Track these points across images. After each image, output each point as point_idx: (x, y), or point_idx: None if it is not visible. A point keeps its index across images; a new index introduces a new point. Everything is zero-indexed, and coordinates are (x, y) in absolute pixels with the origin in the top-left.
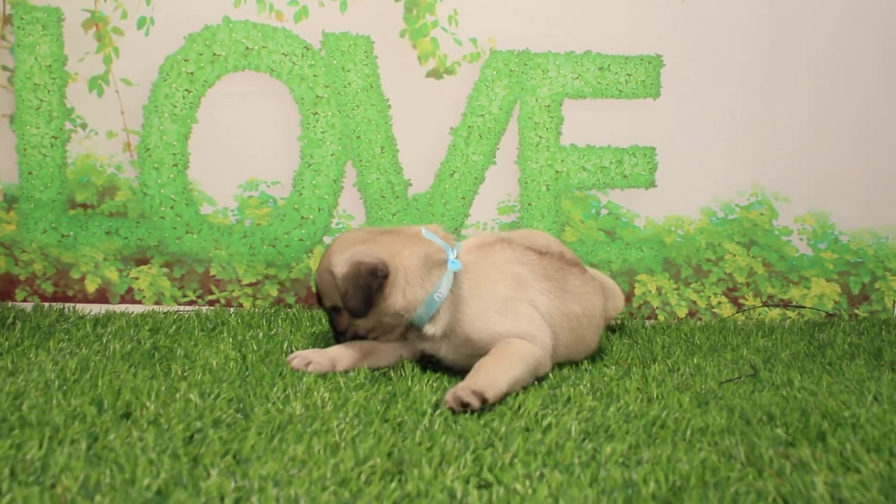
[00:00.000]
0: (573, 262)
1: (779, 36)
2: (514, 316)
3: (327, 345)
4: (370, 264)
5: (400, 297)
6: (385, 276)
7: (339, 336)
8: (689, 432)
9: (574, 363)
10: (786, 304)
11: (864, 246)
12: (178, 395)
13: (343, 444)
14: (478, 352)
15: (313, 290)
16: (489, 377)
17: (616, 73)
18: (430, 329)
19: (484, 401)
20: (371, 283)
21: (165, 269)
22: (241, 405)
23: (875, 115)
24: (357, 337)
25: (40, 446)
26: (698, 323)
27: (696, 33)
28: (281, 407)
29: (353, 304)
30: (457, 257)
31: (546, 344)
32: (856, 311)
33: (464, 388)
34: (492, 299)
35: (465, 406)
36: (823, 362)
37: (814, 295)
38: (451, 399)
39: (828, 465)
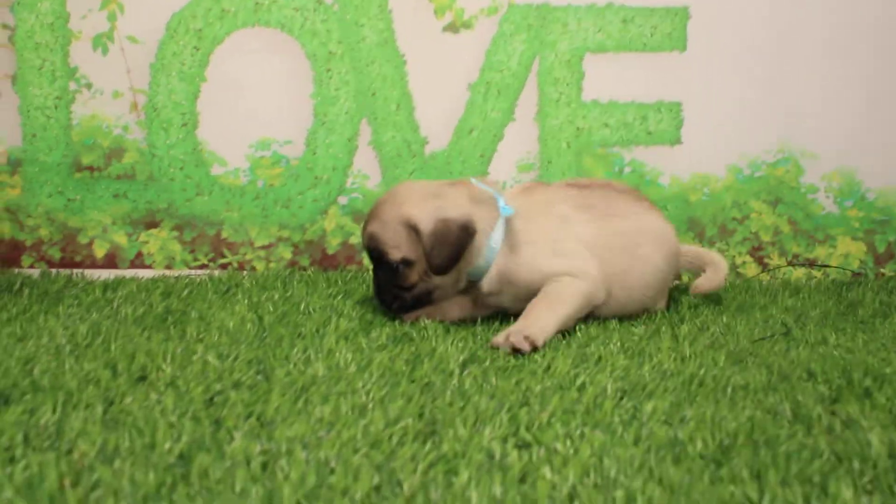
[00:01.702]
0: (623, 190)
1: None
2: (562, 254)
3: (363, 308)
4: (461, 221)
5: (477, 252)
6: (474, 234)
7: (395, 294)
8: (729, 390)
9: (627, 300)
10: (811, 264)
11: (891, 203)
12: (195, 358)
13: (371, 405)
14: (533, 294)
15: (364, 242)
16: (539, 323)
17: (641, 26)
18: (486, 282)
19: (535, 348)
20: (464, 240)
21: (175, 233)
22: (262, 367)
23: None
24: (418, 298)
25: (54, 411)
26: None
27: None
28: (303, 368)
29: (441, 262)
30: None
31: (593, 276)
32: (882, 270)
33: (516, 333)
34: (540, 242)
35: (516, 351)
36: (855, 321)
37: (840, 254)
38: (503, 341)
39: (878, 421)
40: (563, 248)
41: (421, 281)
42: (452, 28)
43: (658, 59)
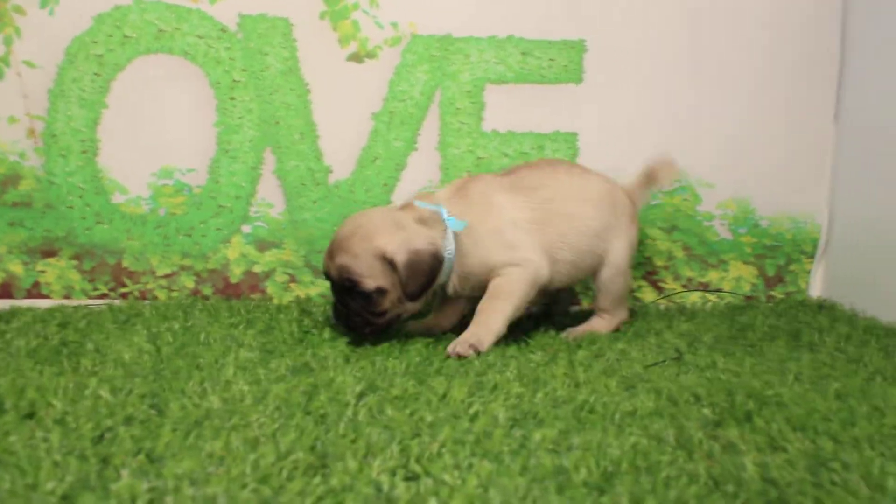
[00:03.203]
0: (552, 161)
1: (704, 24)
2: (505, 245)
3: (264, 337)
4: (430, 250)
5: (443, 273)
6: (443, 260)
7: (367, 320)
8: (617, 416)
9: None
10: (705, 288)
11: (783, 230)
12: (87, 392)
13: (263, 439)
14: (486, 283)
15: (332, 274)
16: (484, 327)
17: (539, 58)
18: (449, 287)
19: (479, 352)
20: (435, 267)
21: (74, 262)
22: (156, 400)
23: (795, 105)
24: (389, 322)
25: None
26: None
27: (620, 17)
28: (198, 401)
29: (415, 290)
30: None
31: (534, 261)
32: (771, 292)
33: (462, 343)
34: (484, 238)
35: (461, 357)
36: (745, 344)
37: (732, 277)
38: (451, 352)
39: (756, 446)
40: (505, 239)
41: (393, 307)
42: (356, 58)
43: (555, 90)
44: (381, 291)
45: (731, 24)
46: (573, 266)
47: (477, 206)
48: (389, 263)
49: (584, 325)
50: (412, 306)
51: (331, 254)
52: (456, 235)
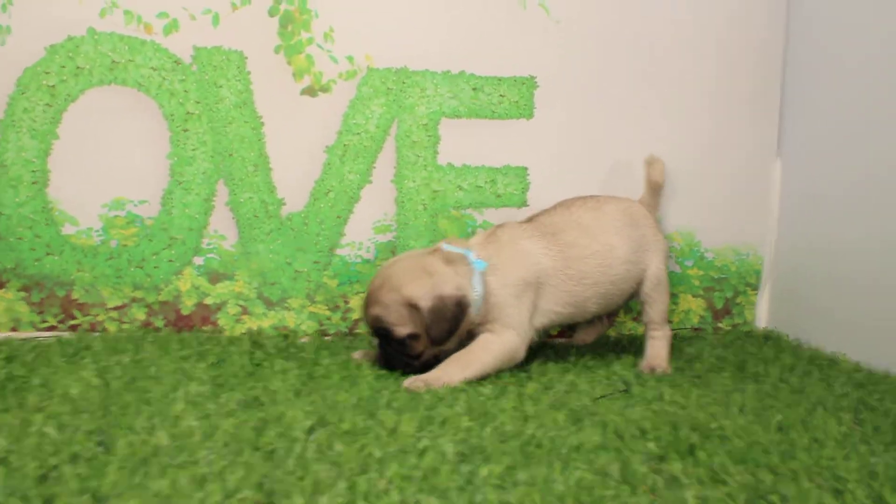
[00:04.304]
0: (567, 201)
1: (651, 61)
2: (521, 302)
3: (215, 370)
4: (455, 297)
5: (470, 316)
6: (468, 307)
7: (405, 363)
8: (564, 450)
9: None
10: None
11: (728, 262)
12: (32, 430)
13: (211, 477)
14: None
15: (369, 324)
16: (445, 377)
17: (489, 94)
18: (480, 327)
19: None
20: (459, 314)
21: (23, 293)
22: (102, 437)
23: (738, 138)
24: (426, 363)
25: None
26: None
27: (570, 55)
28: (146, 437)
29: (440, 334)
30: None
31: (526, 332)
32: (719, 324)
33: (418, 379)
34: (508, 283)
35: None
36: (692, 375)
37: (681, 310)
38: (407, 385)
39: (698, 479)
40: (526, 294)
41: (427, 349)
42: (311, 91)
43: (506, 125)
44: (413, 337)
45: (676, 60)
46: (606, 297)
47: (507, 249)
48: (417, 309)
49: (652, 358)
50: (449, 346)
51: (365, 305)
52: (483, 275)
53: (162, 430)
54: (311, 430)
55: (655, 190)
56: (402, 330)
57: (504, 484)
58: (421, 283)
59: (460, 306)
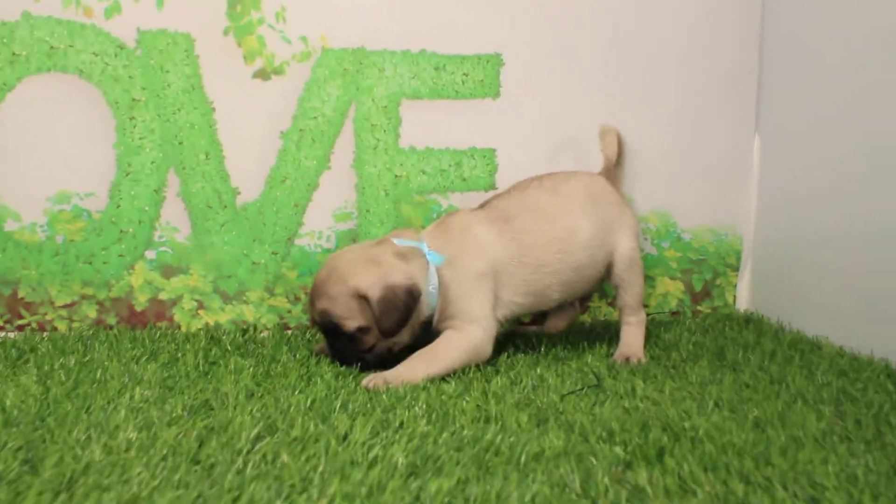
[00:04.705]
0: (522, 184)
1: (624, 37)
2: (480, 294)
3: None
4: (405, 285)
5: (423, 308)
6: (419, 296)
7: (358, 357)
8: (523, 459)
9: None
10: None
11: (706, 243)
12: None
13: (142, 496)
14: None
15: (315, 319)
16: (408, 374)
17: (452, 73)
18: (435, 320)
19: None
20: (410, 303)
21: None
22: (31, 455)
23: (714, 117)
24: (380, 356)
25: None
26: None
27: (538, 32)
28: (78, 453)
29: (390, 326)
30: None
31: (491, 325)
32: (698, 307)
33: (378, 377)
34: (464, 276)
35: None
36: (668, 365)
37: (658, 294)
38: (366, 384)
39: (665, 490)
40: (482, 287)
41: (378, 342)
42: (263, 74)
43: (471, 105)
44: (363, 330)
45: (650, 37)
46: (568, 285)
47: (458, 238)
48: (366, 300)
49: (626, 346)
50: (396, 338)
51: (311, 299)
52: (438, 269)
53: (97, 444)
54: (256, 440)
55: (613, 162)
56: (352, 323)
57: (454, 500)
58: (369, 274)
59: (411, 295)
